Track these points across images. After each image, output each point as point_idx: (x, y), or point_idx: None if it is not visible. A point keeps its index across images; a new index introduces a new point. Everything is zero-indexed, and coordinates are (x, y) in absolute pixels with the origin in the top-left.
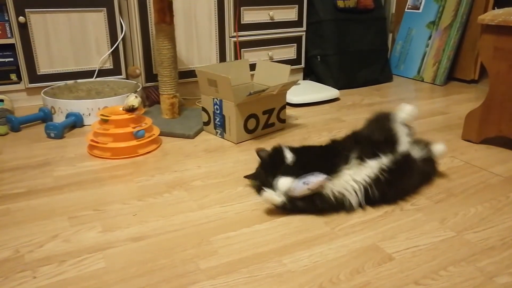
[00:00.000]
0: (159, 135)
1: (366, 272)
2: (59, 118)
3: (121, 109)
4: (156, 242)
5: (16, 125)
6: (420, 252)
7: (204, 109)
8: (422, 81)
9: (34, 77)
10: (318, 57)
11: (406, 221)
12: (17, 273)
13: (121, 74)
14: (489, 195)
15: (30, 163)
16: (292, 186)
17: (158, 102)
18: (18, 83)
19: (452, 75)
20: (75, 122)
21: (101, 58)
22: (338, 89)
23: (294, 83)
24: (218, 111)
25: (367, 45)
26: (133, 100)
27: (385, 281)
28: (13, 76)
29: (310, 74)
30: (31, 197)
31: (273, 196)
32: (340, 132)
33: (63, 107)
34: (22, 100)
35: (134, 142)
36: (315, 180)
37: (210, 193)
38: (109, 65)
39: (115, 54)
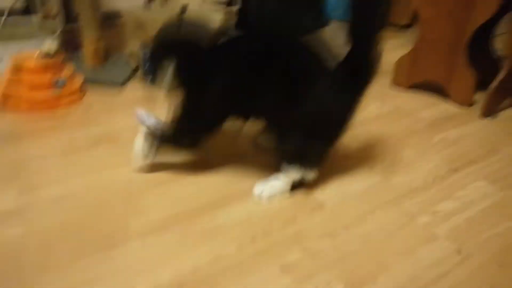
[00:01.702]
0: (83, 84)
1: (298, 221)
2: None
3: (36, 55)
4: (82, 201)
5: None
6: (350, 198)
7: (132, 55)
8: None
9: None
10: None
11: (336, 168)
12: None
13: (36, 14)
14: (415, 139)
15: None
16: None
17: (81, 47)
18: None
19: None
20: None
21: None
22: None
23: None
24: (147, 57)
25: None
26: (50, 44)
27: (316, 228)
28: None
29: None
30: None
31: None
32: None
33: None
34: None
35: (54, 92)
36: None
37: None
38: (21, 4)
39: None
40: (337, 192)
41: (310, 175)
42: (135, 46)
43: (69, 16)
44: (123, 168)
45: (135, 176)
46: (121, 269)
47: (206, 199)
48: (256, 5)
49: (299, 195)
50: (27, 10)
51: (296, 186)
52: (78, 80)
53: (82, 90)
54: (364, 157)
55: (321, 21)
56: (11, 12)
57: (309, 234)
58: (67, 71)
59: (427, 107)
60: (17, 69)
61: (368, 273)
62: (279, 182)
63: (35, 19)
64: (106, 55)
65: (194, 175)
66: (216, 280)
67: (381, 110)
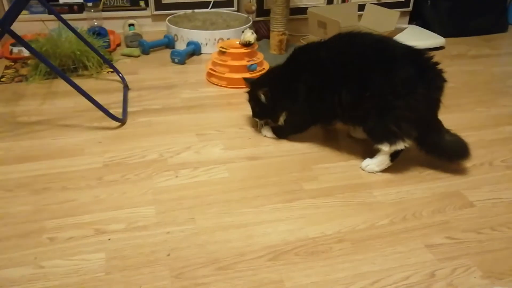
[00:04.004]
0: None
1: (446, 213)
2: (180, 45)
3: (237, 43)
4: (268, 163)
5: (146, 48)
6: (501, 204)
7: None
8: None
9: (159, 5)
10: (429, 1)
11: (493, 175)
12: (164, 172)
13: (233, 7)
14: None
15: (160, 84)
16: None
17: (267, 37)
18: (145, 9)
19: None
20: (194, 50)
21: None
22: (445, 37)
23: (401, 31)
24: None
25: None
26: (250, 36)
27: (463, 223)
28: (142, 3)
29: (417, 18)
30: (166, 113)
31: None
32: None
33: (185, 35)
34: (147, 26)
35: (247, 74)
36: None
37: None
38: None
39: None
40: (490, 196)
41: (400, 146)
42: None
43: (261, 10)
44: (299, 142)
45: (308, 151)
46: (296, 217)
47: (366, 179)
48: (431, 5)
49: (452, 192)
50: (227, 3)
51: (396, 155)
52: (265, 66)
53: None
54: None
55: (501, 25)
56: (215, 4)
57: (456, 226)
58: (258, 58)
59: None
60: (222, 53)
61: (510, 269)
62: (380, 158)
63: (233, 10)
64: (287, 45)
65: (357, 157)
66: (369, 242)
67: None
